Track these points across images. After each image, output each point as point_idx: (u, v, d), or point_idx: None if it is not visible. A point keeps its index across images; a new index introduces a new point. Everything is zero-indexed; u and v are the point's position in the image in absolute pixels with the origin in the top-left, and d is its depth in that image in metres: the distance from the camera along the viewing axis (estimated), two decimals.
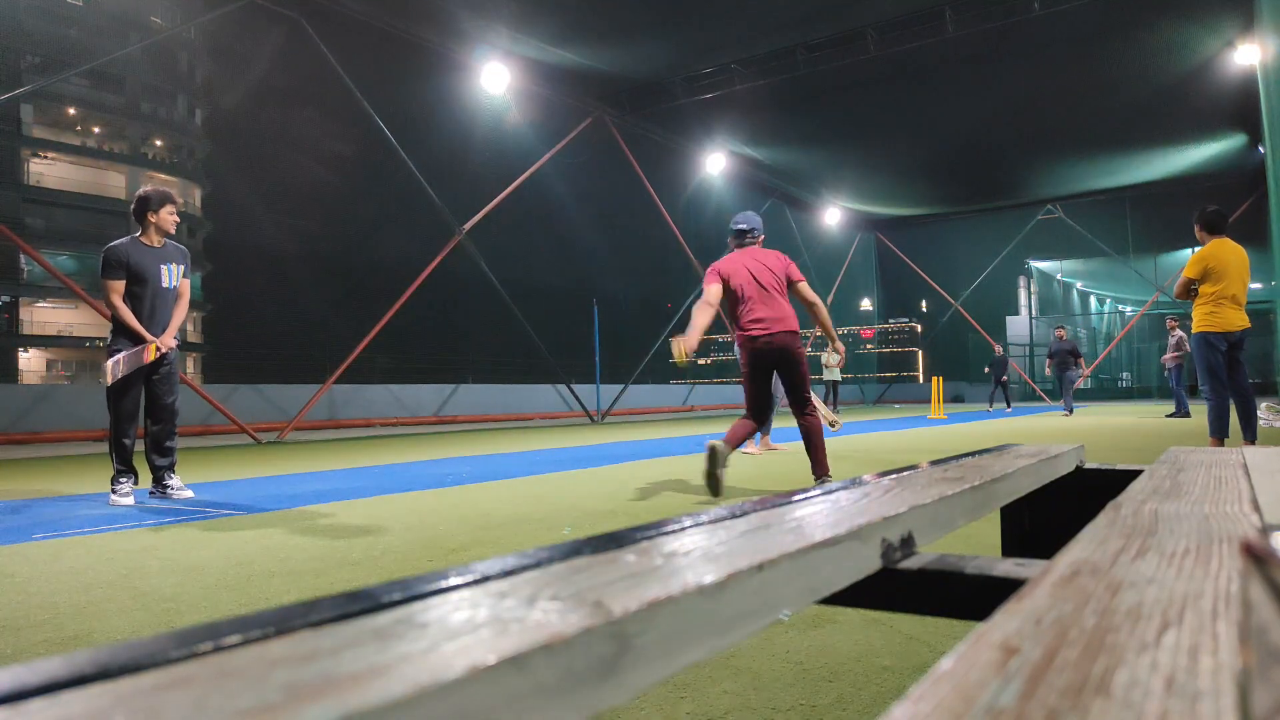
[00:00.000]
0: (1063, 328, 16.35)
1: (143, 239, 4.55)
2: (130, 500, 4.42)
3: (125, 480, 4.46)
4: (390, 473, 6.00)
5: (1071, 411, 15.13)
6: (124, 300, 4.46)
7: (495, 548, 3.02)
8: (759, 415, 4.50)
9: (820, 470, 4.39)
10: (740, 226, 4.77)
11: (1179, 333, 13.45)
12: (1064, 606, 0.53)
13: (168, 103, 33.75)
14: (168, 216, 4.59)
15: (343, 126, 14.51)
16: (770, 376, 4.54)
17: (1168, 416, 13.32)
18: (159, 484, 4.58)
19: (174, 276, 4.62)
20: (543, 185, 15.66)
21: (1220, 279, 5.79)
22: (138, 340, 4.46)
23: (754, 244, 4.69)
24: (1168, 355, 13.66)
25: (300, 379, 14.08)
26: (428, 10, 11.65)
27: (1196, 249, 6.07)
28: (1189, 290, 5.99)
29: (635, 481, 5.11)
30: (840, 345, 4.84)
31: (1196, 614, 0.51)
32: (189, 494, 4.61)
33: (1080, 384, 26.98)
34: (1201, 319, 5.87)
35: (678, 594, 0.49)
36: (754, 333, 4.40)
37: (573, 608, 0.45)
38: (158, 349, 4.49)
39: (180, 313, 4.69)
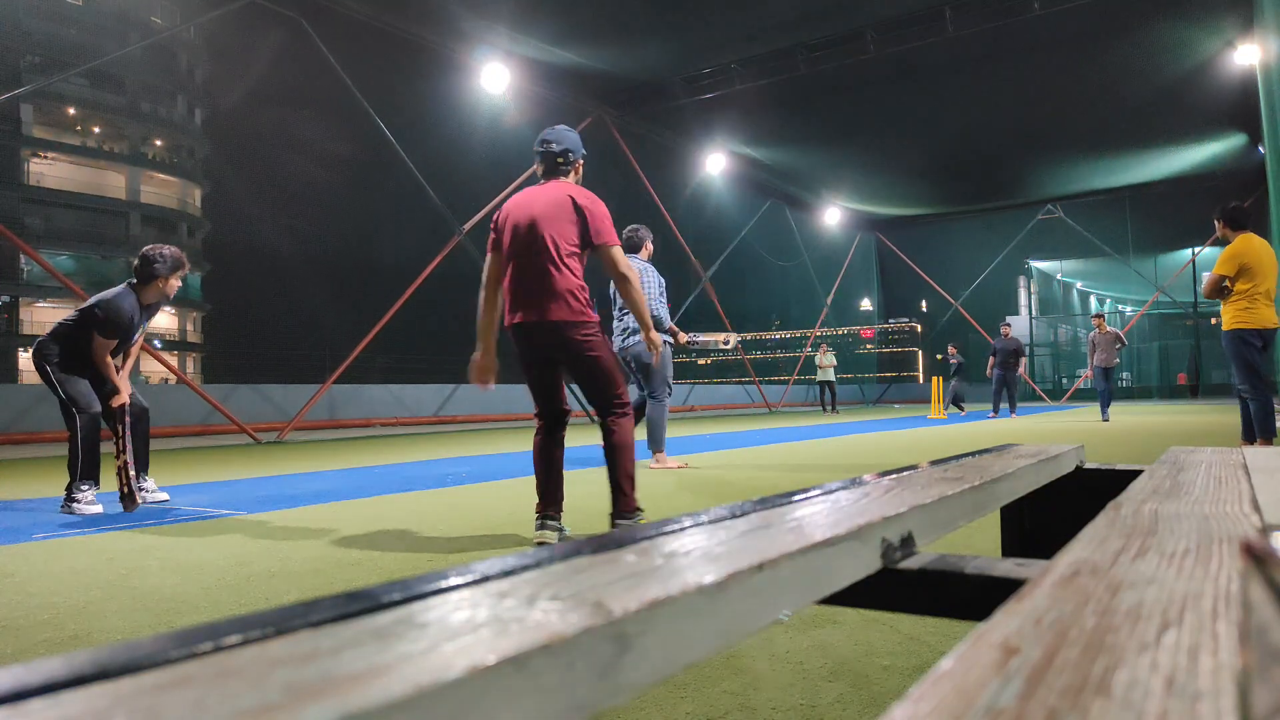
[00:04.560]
0: (1008, 324, 15.23)
1: (141, 295, 4.37)
2: (99, 508, 4.26)
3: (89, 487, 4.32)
4: (390, 473, 6.00)
5: (1014, 414, 14.67)
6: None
7: (495, 548, 3.02)
8: (552, 419, 3.20)
9: (622, 505, 3.11)
10: (550, 147, 3.13)
11: (1110, 330, 12.93)
12: (1064, 607, 0.53)
13: (168, 103, 33.75)
14: (175, 284, 4.45)
15: (342, 126, 14.50)
16: (549, 373, 3.15)
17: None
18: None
19: (142, 330, 4.53)
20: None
21: (1254, 275, 5.64)
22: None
23: (566, 176, 3.15)
24: (1097, 359, 12.70)
25: (300, 379, 14.09)
26: (428, 10, 11.65)
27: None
28: (1220, 288, 5.78)
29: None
30: (655, 336, 3.26)
31: (1196, 614, 0.51)
32: (164, 497, 4.54)
33: (1081, 384, 27.01)
34: (1235, 315, 5.69)
35: (678, 594, 0.49)
36: (513, 311, 3.07)
37: (573, 608, 0.45)
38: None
39: (134, 354, 4.59)
